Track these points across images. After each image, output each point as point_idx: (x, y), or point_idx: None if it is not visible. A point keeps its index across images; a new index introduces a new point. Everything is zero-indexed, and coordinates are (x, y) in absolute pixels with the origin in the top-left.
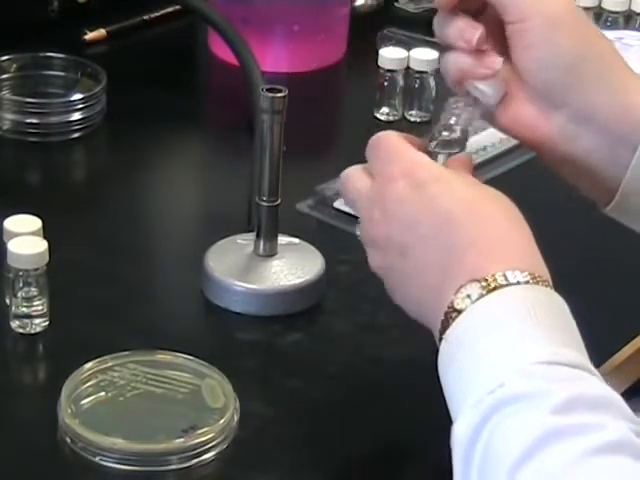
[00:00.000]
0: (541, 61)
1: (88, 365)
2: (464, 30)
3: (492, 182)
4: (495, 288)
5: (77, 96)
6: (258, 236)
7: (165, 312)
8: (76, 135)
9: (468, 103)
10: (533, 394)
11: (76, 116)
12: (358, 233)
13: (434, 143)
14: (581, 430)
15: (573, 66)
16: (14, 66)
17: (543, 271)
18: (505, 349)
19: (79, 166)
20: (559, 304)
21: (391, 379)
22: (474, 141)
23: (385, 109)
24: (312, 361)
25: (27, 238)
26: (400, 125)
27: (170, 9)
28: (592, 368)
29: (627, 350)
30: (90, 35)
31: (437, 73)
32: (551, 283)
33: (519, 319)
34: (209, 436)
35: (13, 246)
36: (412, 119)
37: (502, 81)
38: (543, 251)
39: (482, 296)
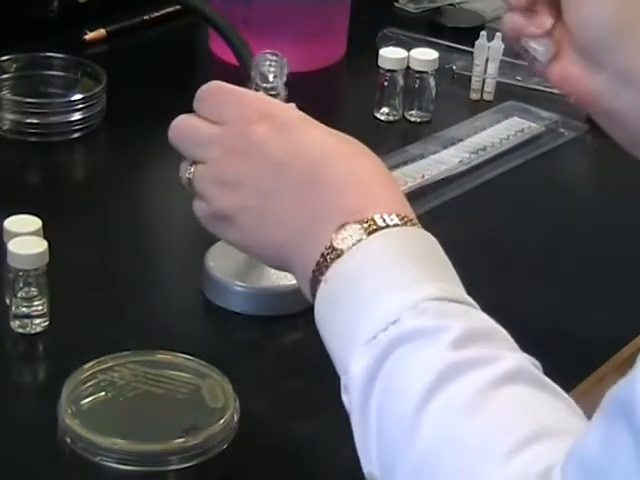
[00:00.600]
0: (587, 20)
1: (88, 365)
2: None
3: (492, 182)
4: (375, 230)
5: (77, 96)
6: None
7: (165, 312)
8: (76, 135)
9: (281, 58)
10: (429, 330)
11: (76, 116)
12: (186, 176)
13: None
14: (480, 363)
15: (614, 28)
16: (14, 66)
17: (411, 212)
18: (393, 287)
19: (79, 166)
20: (433, 242)
21: None
22: (474, 141)
23: (385, 109)
24: (312, 361)
25: (27, 238)
26: (400, 125)
27: (170, 9)
28: (472, 301)
29: (627, 350)
30: (90, 35)
31: (437, 73)
32: (418, 222)
33: (403, 258)
34: (209, 436)
35: (13, 246)
36: (412, 119)
37: (553, 41)
38: (543, 250)
39: (363, 237)
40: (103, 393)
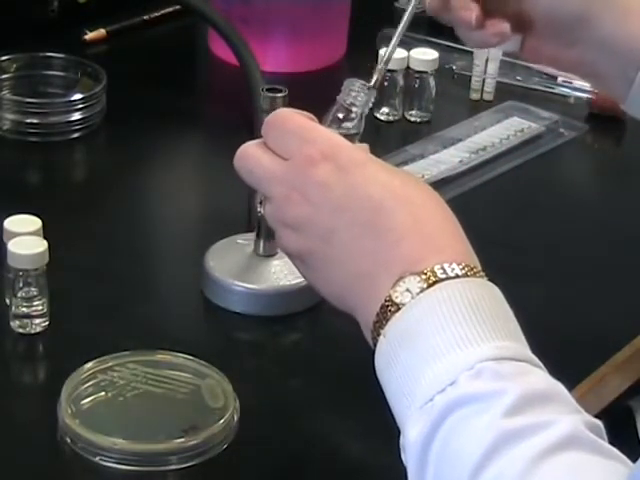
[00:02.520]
0: (547, 8)
1: (88, 365)
2: (461, 15)
3: (492, 182)
4: (435, 282)
5: (77, 96)
6: (258, 236)
7: (165, 312)
8: (76, 135)
9: (364, 86)
10: (484, 395)
11: (76, 116)
12: (260, 211)
13: (329, 123)
14: (533, 430)
15: (577, 11)
16: (14, 66)
17: (475, 261)
18: (451, 346)
19: (79, 166)
20: (496, 294)
21: None
22: (474, 141)
23: (385, 109)
24: (312, 361)
25: (27, 238)
26: (400, 125)
27: (170, 9)
28: (533, 357)
29: (627, 350)
30: (90, 35)
31: (437, 73)
32: (483, 273)
33: (462, 314)
34: (209, 436)
35: (13, 246)
36: (412, 119)
37: (516, 36)
38: (543, 250)
39: (422, 290)
40: (103, 393)
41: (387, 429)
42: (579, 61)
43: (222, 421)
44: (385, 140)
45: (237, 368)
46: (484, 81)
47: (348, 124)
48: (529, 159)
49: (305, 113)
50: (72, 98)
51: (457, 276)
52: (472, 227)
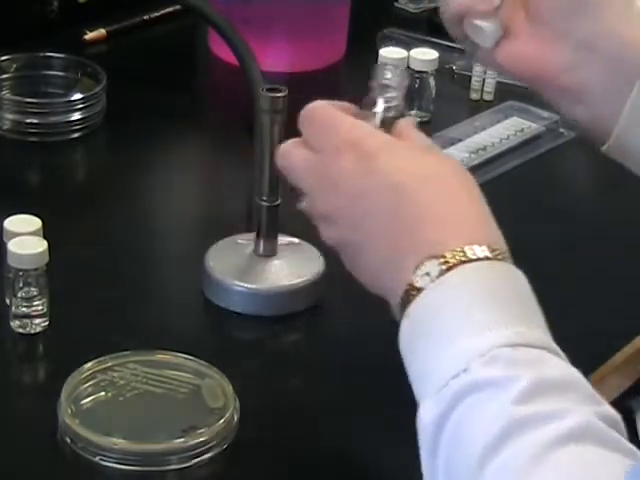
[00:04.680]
0: None
1: (88, 365)
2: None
3: (492, 182)
4: (454, 265)
5: (77, 96)
6: (258, 236)
7: (165, 312)
8: (76, 135)
9: (397, 68)
10: (498, 381)
11: (76, 116)
12: (302, 207)
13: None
14: (544, 419)
15: None
16: (14, 66)
17: (500, 242)
18: (467, 331)
19: (79, 166)
20: (518, 278)
21: (391, 379)
22: (474, 141)
23: None
24: (312, 361)
25: (27, 238)
26: None
27: (170, 9)
28: (554, 345)
29: (627, 350)
30: (90, 35)
31: (437, 73)
32: (508, 254)
33: (480, 298)
34: (209, 436)
35: (13, 246)
36: None
37: (500, 23)
38: (543, 250)
39: (442, 274)
40: (103, 393)
41: (387, 429)
42: (564, 66)
43: (222, 421)
44: None
45: (237, 368)
46: (484, 81)
47: (388, 106)
48: (529, 159)
49: (339, 103)
50: (72, 98)
51: (478, 259)
52: None
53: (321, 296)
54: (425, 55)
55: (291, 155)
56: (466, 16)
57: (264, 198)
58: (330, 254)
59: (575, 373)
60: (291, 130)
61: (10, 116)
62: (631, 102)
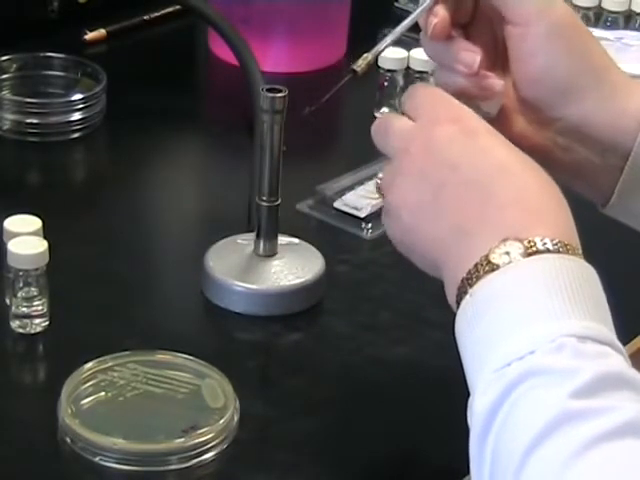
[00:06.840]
0: (535, 72)
1: (88, 365)
2: (463, 55)
3: None
4: (535, 252)
5: (77, 96)
6: (258, 236)
7: (165, 312)
8: (76, 135)
9: None
10: (559, 370)
11: (76, 116)
12: (380, 176)
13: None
14: (596, 414)
15: (564, 82)
16: (14, 66)
17: (577, 242)
18: (537, 316)
19: (79, 166)
20: (592, 277)
21: (391, 379)
22: None
23: (385, 109)
24: (312, 361)
25: (27, 238)
26: None
27: (170, 9)
28: (618, 343)
29: (627, 350)
30: (90, 35)
31: None
32: (581, 254)
33: (554, 288)
34: (209, 436)
35: (13, 246)
36: None
37: (501, 97)
38: None
39: (520, 257)
40: (103, 393)
41: (387, 429)
42: (550, 144)
43: (222, 421)
44: None
45: (237, 368)
46: None
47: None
48: None
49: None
50: (72, 98)
51: (558, 251)
52: None
53: (321, 296)
54: (425, 55)
55: (387, 121)
56: (465, 97)
57: (264, 198)
58: (330, 254)
59: (636, 374)
60: (291, 130)
61: (10, 116)
62: (625, 173)
